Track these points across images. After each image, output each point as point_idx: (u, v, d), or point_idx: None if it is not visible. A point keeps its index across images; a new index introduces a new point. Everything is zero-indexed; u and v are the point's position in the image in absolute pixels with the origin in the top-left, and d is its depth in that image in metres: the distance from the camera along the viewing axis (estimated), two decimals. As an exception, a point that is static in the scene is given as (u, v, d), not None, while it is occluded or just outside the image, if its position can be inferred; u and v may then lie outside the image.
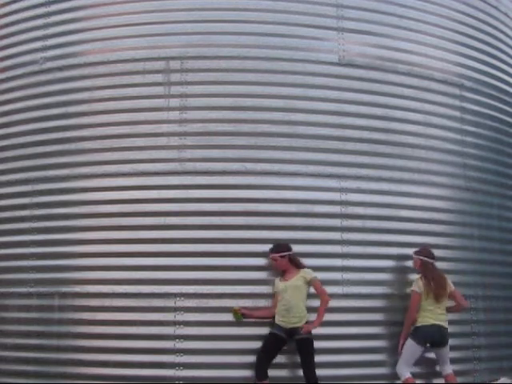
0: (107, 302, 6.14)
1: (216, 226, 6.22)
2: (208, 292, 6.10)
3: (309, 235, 6.33)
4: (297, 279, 6.01)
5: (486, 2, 7.91)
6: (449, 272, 6.80)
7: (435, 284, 6.22)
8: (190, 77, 6.51)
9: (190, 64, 6.53)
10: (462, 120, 7.30)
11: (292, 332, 5.93)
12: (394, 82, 6.92)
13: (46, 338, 6.33)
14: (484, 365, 6.86)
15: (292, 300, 5.96)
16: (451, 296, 6.35)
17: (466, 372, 6.73)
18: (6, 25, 7.29)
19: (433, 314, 6.18)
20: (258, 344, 5.99)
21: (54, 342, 6.29)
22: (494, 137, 7.67)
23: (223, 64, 6.53)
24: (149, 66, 6.55)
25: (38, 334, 6.36)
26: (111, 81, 6.62)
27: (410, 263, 6.53)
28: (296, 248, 6.22)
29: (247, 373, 5.98)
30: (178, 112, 6.45)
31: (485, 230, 7.24)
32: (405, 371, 6.10)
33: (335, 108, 6.62)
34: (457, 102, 7.30)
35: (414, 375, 6.21)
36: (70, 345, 6.24)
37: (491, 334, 7.02)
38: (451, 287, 6.34)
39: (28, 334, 6.40)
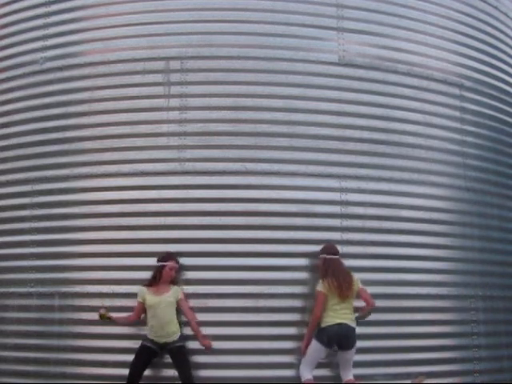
0: (107, 302, 6.13)
1: (216, 226, 6.22)
2: (207, 292, 6.10)
3: (309, 235, 6.32)
4: (169, 295, 5.90)
5: (485, 2, 7.91)
6: (449, 272, 6.82)
7: (340, 282, 5.87)
8: (190, 77, 6.51)
9: (189, 64, 6.53)
10: (461, 120, 7.30)
11: (165, 345, 5.85)
12: (394, 82, 6.92)
13: (45, 338, 6.34)
14: (484, 365, 6.85)
15: (166, 316, 5.85)
16: (358, 295, 6.01)
17: (466, 372, 6.73)
18: (6, 25, 7.29)
19: (338, 314, 5.85)
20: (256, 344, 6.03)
21: (54, 342, 6.30)
22: (493, 137, 7.67)
23: (223, 64, 6.53)
24: (149, 66, 6.55)
25: (38, 334, 6.36)
26: (111, 81, 6.62)
27: (409, 263, 6.54)
28: (296, 248, 6.23)
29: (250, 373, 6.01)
30: (177, 112, 6.45)
31: (485, 230, 7.23)
32: (306, 372, 5.86)
33: (335, 108, 6.62)
34: (457, 102, 7.30)
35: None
36: (69, 345, 6.25)
37: (491, 333, 7.01)
38: (358, 285, 6.00)
39: (28, 334, 6.40)
